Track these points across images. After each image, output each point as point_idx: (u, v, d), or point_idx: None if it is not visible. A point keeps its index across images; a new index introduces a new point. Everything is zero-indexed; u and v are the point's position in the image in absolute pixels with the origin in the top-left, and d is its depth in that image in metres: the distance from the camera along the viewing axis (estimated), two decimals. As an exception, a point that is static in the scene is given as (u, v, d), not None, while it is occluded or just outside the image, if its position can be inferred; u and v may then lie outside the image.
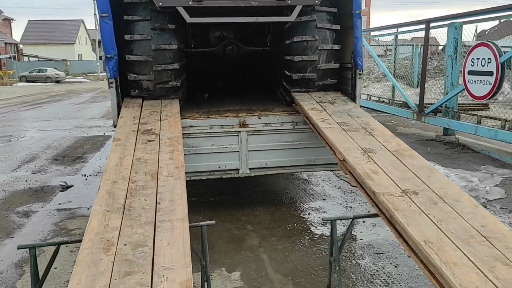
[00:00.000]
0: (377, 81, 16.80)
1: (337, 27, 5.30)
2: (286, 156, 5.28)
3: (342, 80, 5.61)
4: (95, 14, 50.26)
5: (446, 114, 8.73)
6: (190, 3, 4.60)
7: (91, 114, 15.71)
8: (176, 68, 5.08)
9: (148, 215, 2.93)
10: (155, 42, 4.90)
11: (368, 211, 5.13)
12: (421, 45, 19.13)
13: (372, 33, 15.13)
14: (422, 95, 9.27)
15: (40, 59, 53.64)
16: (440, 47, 24.13)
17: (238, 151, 5.18)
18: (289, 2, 4.73)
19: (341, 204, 5.53)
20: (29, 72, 42.51)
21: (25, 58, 54.39)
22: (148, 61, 4.93)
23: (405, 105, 10.58)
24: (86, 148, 9.58)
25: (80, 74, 53.14)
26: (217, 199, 5.85)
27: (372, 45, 17.94)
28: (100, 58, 56.72)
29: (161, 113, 4.88)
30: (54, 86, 35.50)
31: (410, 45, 18.77)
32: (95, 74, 52.51)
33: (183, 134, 4.96)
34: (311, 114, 4.71)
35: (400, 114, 10.45)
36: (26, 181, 6.98)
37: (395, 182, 3.25)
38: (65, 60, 54.03)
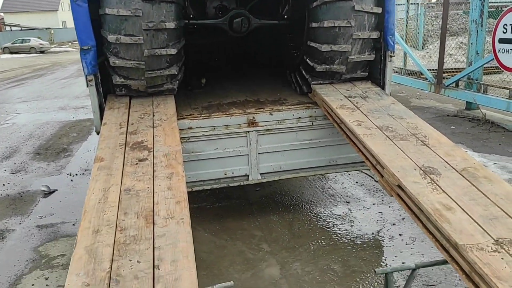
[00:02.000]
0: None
1: (379, 10, 4.20)
2: (303, 157, 4.47)
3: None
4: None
5: (469, 87, 7.87)
6: None
7: (77, 91, 14.65)
8: (174, 73, 4.15)
9: (143, 290, 2.13)
10: (148, 46, 3.88)
11: (410, 223, 4.38)
12: (427, 3, 18.09)
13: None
14: (441, 64, 8.38)
15: (22, 29, 51.57)
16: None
17: (247, 154, 4.36)
18: None
19: (368, 209, 4.76)
20: (12, 43, 40.69)
21: (7, 28, 52.21)
22: (139, 68, 3.97)
23: (419, 73, 9.68)
24: (71, 136, 8.69)
25: (65, 42, 51.21)
26: (223, 205, 5.06)
27: None
28: (86, 24, 54.61)
29: (153, 115, 4.00)
30: (38, 57, 34.00)
31: (414, 3, 17.63)
32: (81, 42, 50.49)
33: (181, 138, 4.15)
34: (342, 114, 3.83)
35: (414, 86, 9.56)
36: (4, 185, 6.14)
37: (480, 226, 2.40)
38: (49, 28, 51.95)
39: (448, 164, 3.07)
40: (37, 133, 9.10)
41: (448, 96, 8.30)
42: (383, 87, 4.52)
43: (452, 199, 2.67)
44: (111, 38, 3.83)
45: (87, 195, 2.86)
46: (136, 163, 3.23)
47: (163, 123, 3.85)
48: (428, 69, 9.20)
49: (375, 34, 4.28)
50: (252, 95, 5.00)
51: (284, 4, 5.06)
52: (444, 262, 2.53)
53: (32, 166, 6.93)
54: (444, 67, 10.78)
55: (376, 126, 3.66)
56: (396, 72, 10.53)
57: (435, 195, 2.73)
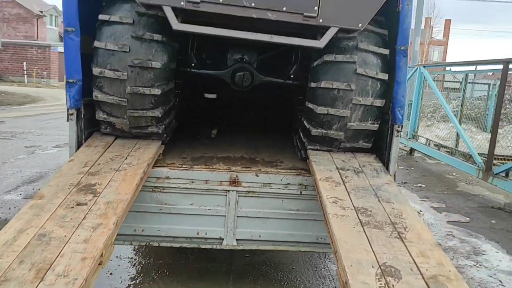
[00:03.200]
0: (443, 121, 14.84)
1: (385, 76, 3.81)
2: (287, 228, 4.00)
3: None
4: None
5: (521, 178, 6.97)
6: (182, 3, 3.25)
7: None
8: (158, 116, 3.95)
9: None
10: (132, 83, 3.74)
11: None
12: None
13: (438, 73, 13.36)
14: (492, 149, 7.54)
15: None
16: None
17: (224, 216, 3.97)
18: (320, 21, 3.33)
19: (356, 301, 4.10)
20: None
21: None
22: (121, 105, 3.83)
23: (468, 156, 8.83)
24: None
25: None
26: (200, 266, 4.63)
27: (447, 81, 15.94)
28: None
29: (126, 158, 3.78)
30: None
31: (486, 83, 16.66)
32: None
33: (155, 187, 3.90)
34: (322, 188, 3.37)
35: (462, 169, 8.68)
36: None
37: None
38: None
39: (417, 267, 2.49)
40: (71, 163, 9.27)
41: (496, 186, 7.38)
42: (387, 163, 4.00)
43: (398, 315, 2.11)
44: (96, 71, 3.74)
45: (-1, 234, 2.62)
46: (72, 207, 2.97)
47: (130, 168, 3.60)
48: (485, 154, 8.32)
49: (379, 102, 3.84)
50: (252, 153, 4.67)
51: (294, 64, 4.76)
52: None
53: (46, 193, 6.94)
54: (504, 154, 9.83)
55: (354, 207, 3.14)
56: (448, 151, 9.72)
57: (380, 304, 2.18)
